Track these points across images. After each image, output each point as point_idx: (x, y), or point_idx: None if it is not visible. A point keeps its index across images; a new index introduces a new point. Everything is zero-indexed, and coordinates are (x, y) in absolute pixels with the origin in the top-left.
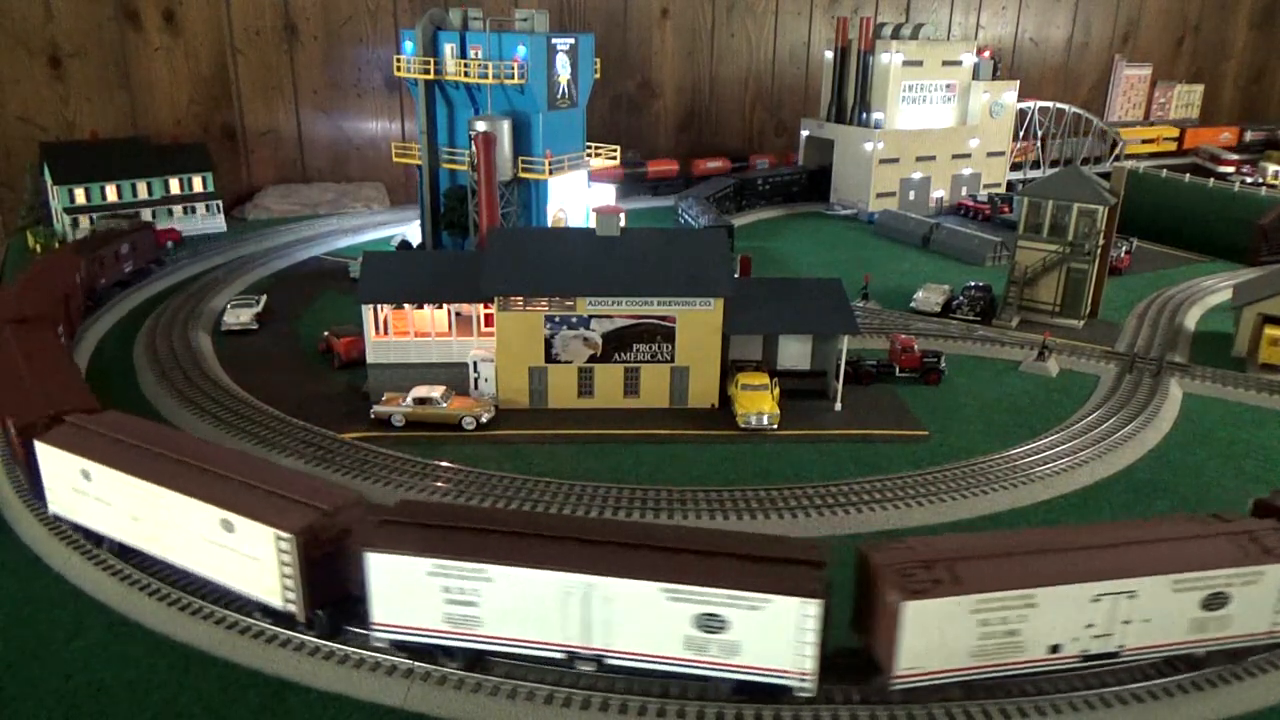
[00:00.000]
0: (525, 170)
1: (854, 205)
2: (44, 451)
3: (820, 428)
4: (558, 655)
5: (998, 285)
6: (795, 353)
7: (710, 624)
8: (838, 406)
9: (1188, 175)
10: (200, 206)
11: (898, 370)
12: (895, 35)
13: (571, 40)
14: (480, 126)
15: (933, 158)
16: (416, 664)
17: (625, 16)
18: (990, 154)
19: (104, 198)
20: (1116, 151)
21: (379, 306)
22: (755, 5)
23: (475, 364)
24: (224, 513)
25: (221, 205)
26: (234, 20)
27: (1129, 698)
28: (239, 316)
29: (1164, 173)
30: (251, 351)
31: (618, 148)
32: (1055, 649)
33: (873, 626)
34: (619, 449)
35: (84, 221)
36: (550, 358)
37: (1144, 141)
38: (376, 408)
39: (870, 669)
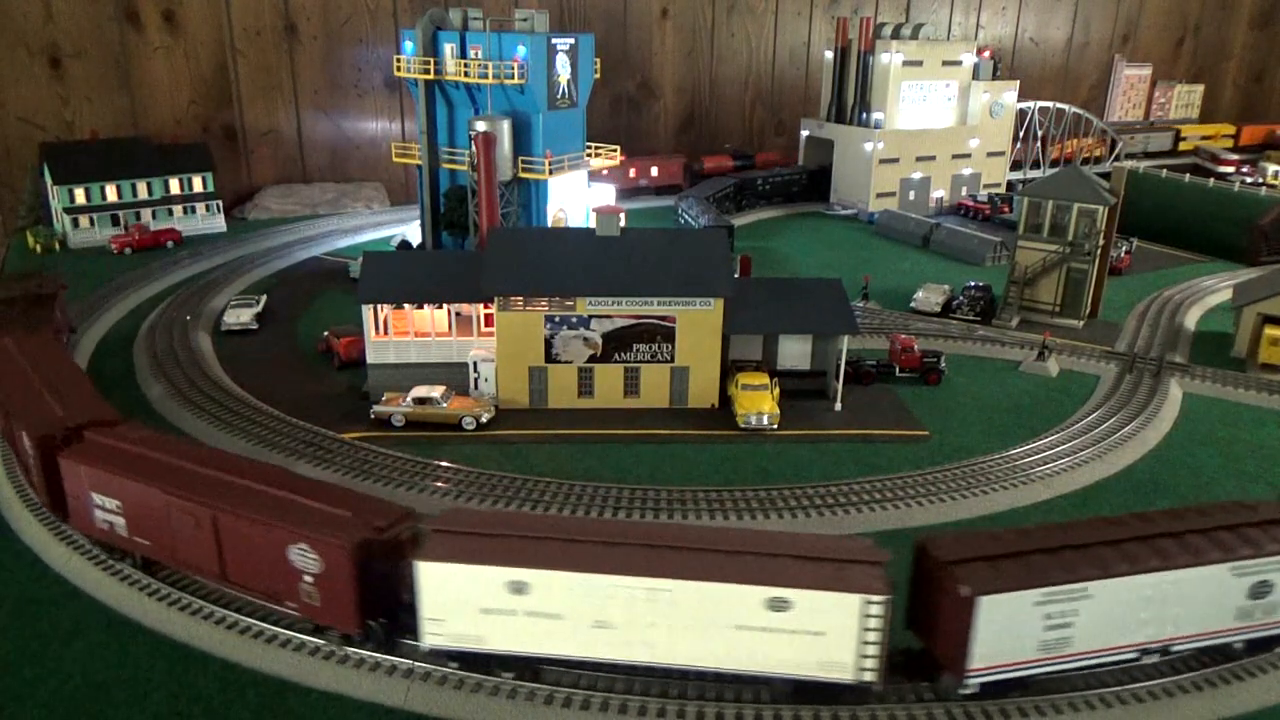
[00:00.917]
0: (525, 170)
1: (854, 205)
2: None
3: (820, 428)
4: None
5: (998, 285)
6: (795, 353)
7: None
8: (838, 406)
9: (1188, 175)
10: (200, 206)
11: (898, 370)
12: (895, 35)
13: (571, 40)
14: (480, 126)
15: (933, 158)
16: (416, 664)
17: (625, 16)
18: (990, 154)
19: (104, 198)
20: (1117, 151)
21: (379, 306)
22: (755, 5)
23: (475, 364)
24: (775, 590)
25: (221, 205)
26: (234, 20)
27: (1129, 698)
28: (239, 316)
29: (1164, 173)
30: (251, 351)
31: (617, 147)
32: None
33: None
34: (619, 449)
35: (84, 221)
36: (550, 358)
37: (1203, 139)
38: (376, 408)
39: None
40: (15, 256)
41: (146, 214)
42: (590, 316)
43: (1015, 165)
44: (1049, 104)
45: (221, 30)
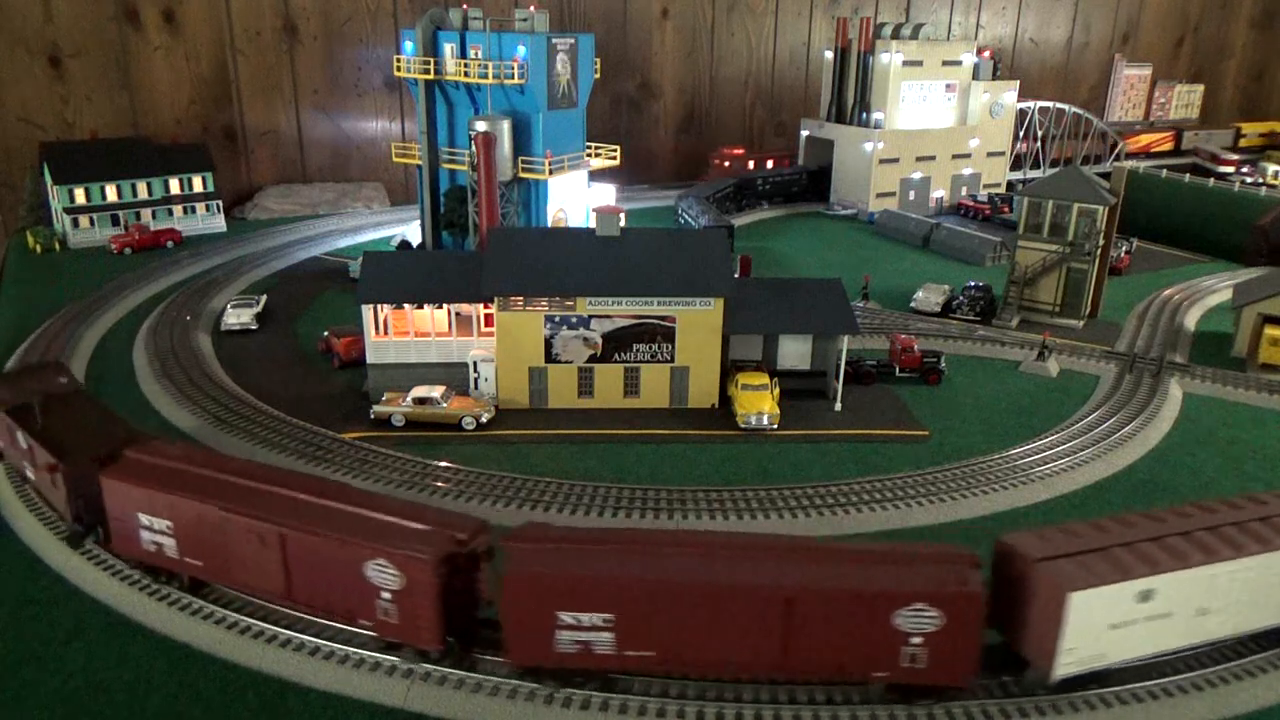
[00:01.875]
0: (525, 170)
1: (854, 205)
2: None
3: (820, 428)
4: None
5: (998, 285)
6: (795, 353)
7: None
8: (838, 406)
9: (1188, 175)
10: (200, 206)
11: (898, 370)
12: (895, 35)
13: (571, 40)
14: (480, 126)
15: (933, 158)
16: (416, 664)
17: (625, 16)
18: (990, 154)
19: (104, 198)
20: (1117, 151)
21: (379, 306)
22: (755, 5)
23: (475, 364)
24: None
25: (221, 205)
26: (234, 20)
27: (1129, 698)
28: (239, 316)
29: (1164, 173)
30: (251, 351)
31: (617, 147)
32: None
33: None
34: (619, 449)
35: (84, 221)
36: (550, 358)
37: (1261, 135)
38: (376, 408)
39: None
40: (15, 256)
41: (146, 214)
42: (590, 316)
43: (1015, 165)
44: (1049, 104)
45: (221, 30)
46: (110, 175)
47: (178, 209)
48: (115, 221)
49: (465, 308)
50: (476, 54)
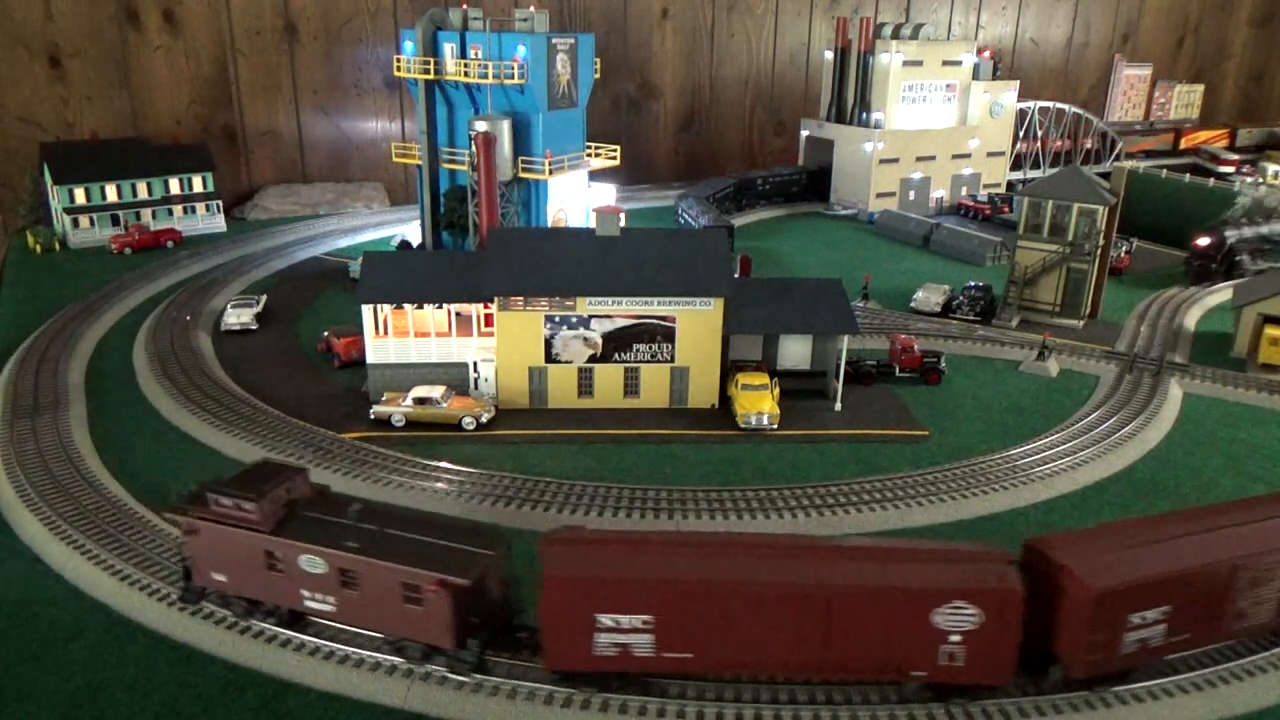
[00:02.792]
0: (525, 170)
1: (854, 205)
2: None
3: (820, 428)
4: None
5: (998, 285)
6: (795, 353)
7: None
8: (838, 406)
9: (1188, 175)
10: (200, 206)
11: (898, 370)
12: (895, 35)
13: (571, 40)
14: (480, 126)
15: (933, 158)
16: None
17: (625, 16)
18: (990, 154)
19: (104, 198)
20: (1117, 151)
21: (379, 306)
22: (755, 5)
23: (475, 364)
24: None
25: (221, 205)
26: (234, 20)
27: (1129, 698)
28: (239, 316)
29: (1164, 173)
30: (251, 351)
31: (617, 147)
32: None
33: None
34: (619, 449)
35: (84, 221)
36: (550, 358)
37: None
38: (376, 408)
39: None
40: (15, 256)
41: (146, 214)
42: (590, 316)
43: (1015, 165)
44: (1049, 104)
45: (221, 30)
46: (110, 175)
47: (178, 209)
48: (115, 221)
49: (465, 308)
50: (476, 54)
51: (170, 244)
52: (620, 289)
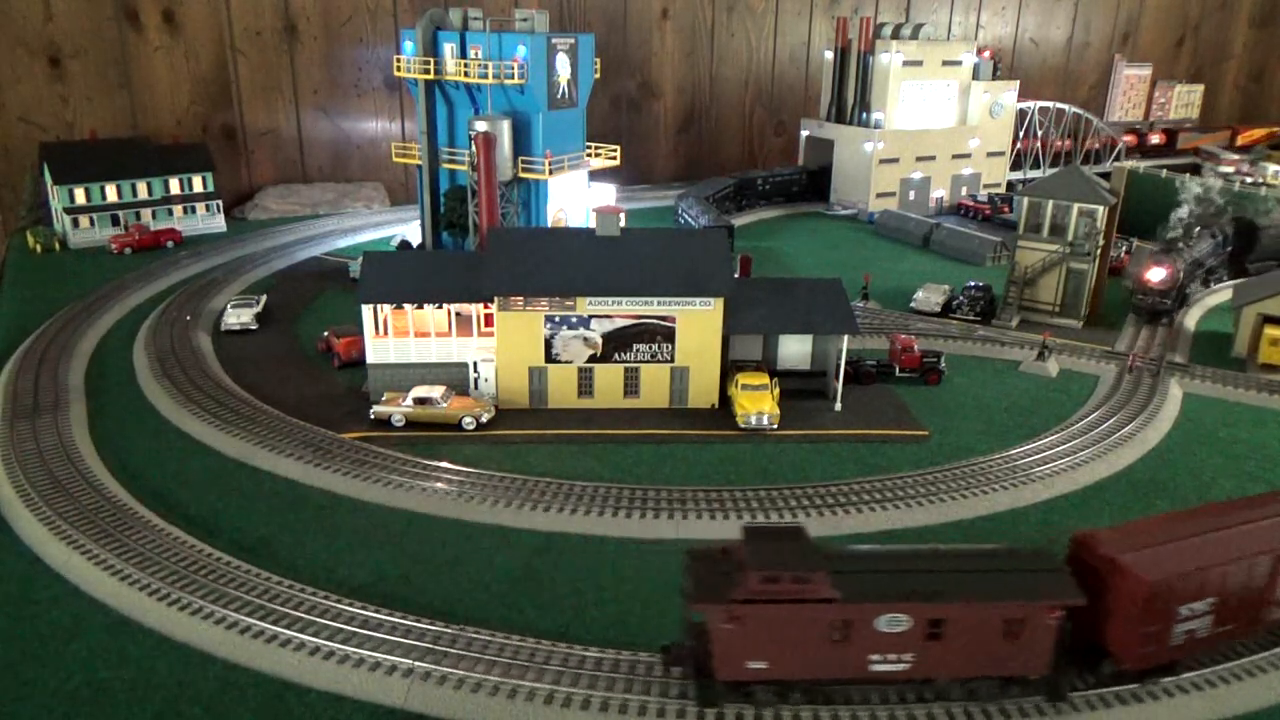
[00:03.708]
0: (525, 170)
1: (854, 205)
2: None
3: (820, 428)
4: None
5: (998, 285)
6: (795, 353)
7: None
8: (838, 406)
9: (1188, 175)
10: (200, 206)
11: (898, 370)
12: (895, 35)
13: (571, 40)
14: (480, 126)
15: (933, 158)
16: (416, 664)
17: (625, 16)
18: (990, 154)
19: (104, 198)
20: (1116, 151)
21: (379, 306)
22: (755, 5)
23: (475, 364)
24: None
25: (221, 205)
26: (234, 20)
27: (1129, 698)
28: (239, 316)
29: (1164, 173)
30: (251, 351)
31: (618, 147)
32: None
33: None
34: (619, 449)
35: (84, 221)
36: (550, 358)
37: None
38: (376, 408)
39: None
40: (15, 256)
41: (146, 214)
42: (590, 316)
43: (1015, 165)
44: (1049, 104)
45: (221, 30)
46: (110, 175)
47: (178, 209)
48: (115, 221)
49: (465, 308)
50: (476, 54)
51: (170, 244)
52: (620, 289)
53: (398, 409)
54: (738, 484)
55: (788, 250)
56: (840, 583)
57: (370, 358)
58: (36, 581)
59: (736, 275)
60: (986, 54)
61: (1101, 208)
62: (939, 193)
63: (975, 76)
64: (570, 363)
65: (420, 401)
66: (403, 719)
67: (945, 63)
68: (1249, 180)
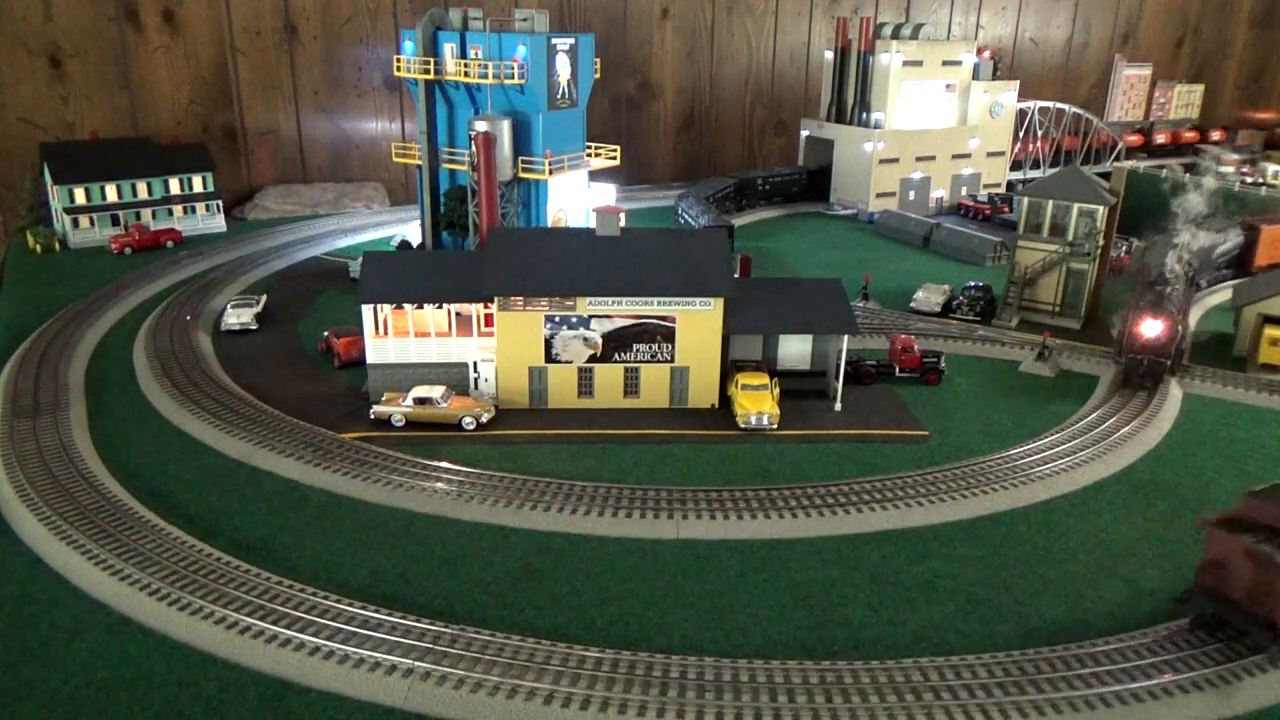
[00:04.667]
0: (525, 170)
1: (854, 205)
2: None
3: (820, 428)
4: None
5: (998, 285)
6: (795, 353)
7: None
8: (838, 406)
9: (1188, 175)
10: (200, 206)
11: (898, 370)
12: (895, 35)
13: (571, 40)
14: (480, 126)
15: (933, 158)
16: (416, 664)
17: (625, 16)
18: (990, 154)
19: (104, 198)
20: (1116, 151)
21: (379, 306)
22: (755, 5)
23: (475, 364)
24: None
25: (221, 205)
26: (234, 20)
27: (1129, 698)
28: (239, 316)
29: (1164, 172)
30: (251, 351)
31: (618, 148)
32: None
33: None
34: (619, 449)
35: (84, 221)
36: (550, 358)
37: None
38: (376, 408)
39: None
40: (15, 256)
41: (147, 214)
42: (590, 316)
43: (1015, 165)
44: (1049, 104)
45: (221, 30)
46: (110, 175)
47: (178, 209)
48: (115, 221)
49: (465, 308)
50: (476, 54)
51: (170, 244)
52: (620, 289)
53: (398, 409)
54: (738, 484)
55: (788, 250)
56: None
57: (370, 358)
58: (36, 581)
59: (736, 275)
60: (986, 54)
61: (1101, 208)
62: (939, 193)
63: (975, 76)
64: (570, 363)
65: (420, 401)
66: (402, 719)
67: (945, 63)
68: (1249, 180)
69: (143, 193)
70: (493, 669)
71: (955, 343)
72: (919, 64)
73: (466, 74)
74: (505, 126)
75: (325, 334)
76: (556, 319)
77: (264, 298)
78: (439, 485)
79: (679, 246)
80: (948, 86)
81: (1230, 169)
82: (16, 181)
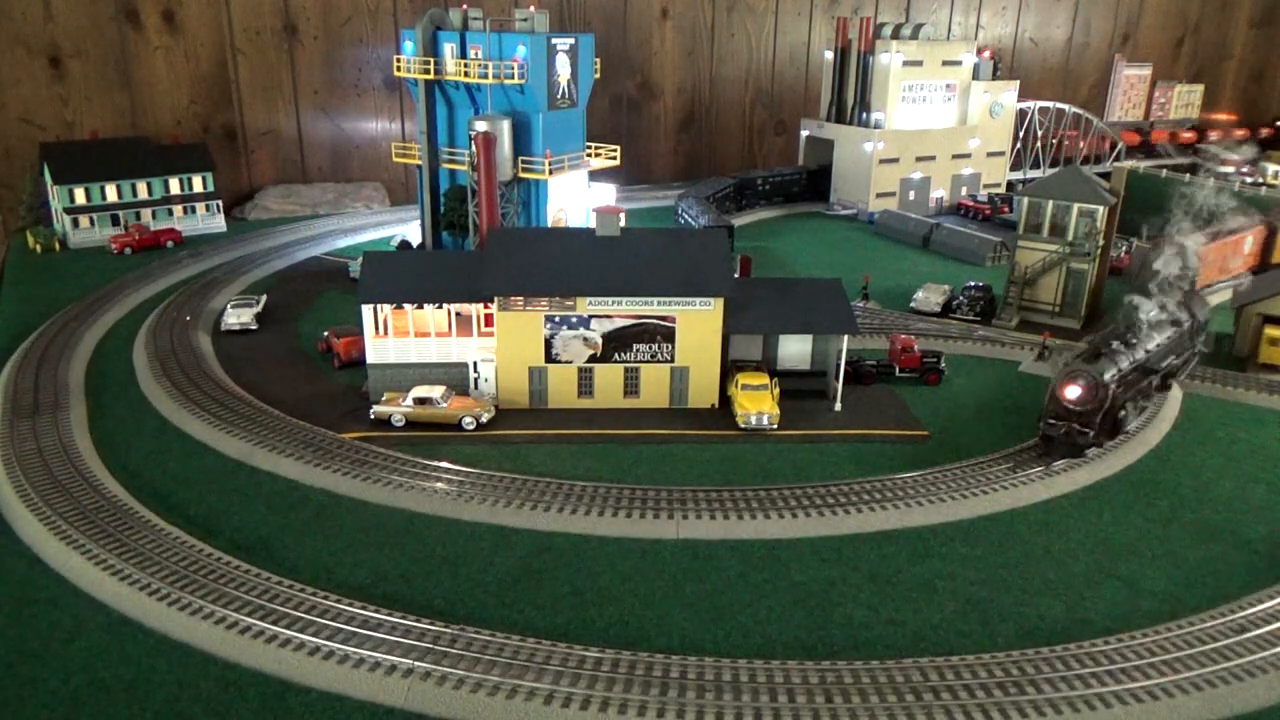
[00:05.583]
0: (525, 170)
1: (854, 205)
2: None
3: (820, 428)
4: None
5: (998, 285)
6: (795, 353)
7: None
8: (838, 406)
9: (1188, 175)
10: (200, 206)
11: (898, 370)
12: (895, 35)
13: (571, 40)
14: (480, 126)
15: (933, 158)
16: (416, 664)
17: (625, 16)
18: (990, 154)
19: (104, 198)
20: (1116, 151)
21: (379, 306)
22: (755, 5)
23: (475, 364)
24: None
25: (221, 205)
26: (234, 20)
27: (1129, 698)
28: (239, 316)
29: (1164, 173)
30: (251, 351)
31: (618, 148)
32: None
33: None
34: (619, 449)
35: (84, 221)
36: (550, 358)
37: None
38: (376, 408)
39: None
40: (15, 256)
41: (146, 214)
42: (590, 316)
43: (1015, 165)
44: (1049, 104)
45: (221, 30)
46: (110, 175)
47: (178, 209)
48: (115, 221)
49: (465, 308)
50: (476, 54)
51: (170, 244)
52: (620, 289)
53: (398, 409)
54: (738, 484)
55: (788, 250)
56: None
57: (370, 358)
58: (36, 581)
59: (736, 275)
60: (986, 54)
61: (1101, 208)
62: (939, 193)
63: (975, 76)
64: (570, 363)
65: (420, 401)
66: (403, 719)
67: (945, 63)
68: (1249, 181)
69: (143, 193)
70: (493, 669)
71: (955, 343)
72: (919, 64)
73: (466, 74)
74: (505, 126)
75: (325, 334)
76: (556, 319)
77: (264, 298)
78: (439, 485)
79: (679, 246)
80: (948, 86)
81: (1230, 169)
82: (16, 181)
